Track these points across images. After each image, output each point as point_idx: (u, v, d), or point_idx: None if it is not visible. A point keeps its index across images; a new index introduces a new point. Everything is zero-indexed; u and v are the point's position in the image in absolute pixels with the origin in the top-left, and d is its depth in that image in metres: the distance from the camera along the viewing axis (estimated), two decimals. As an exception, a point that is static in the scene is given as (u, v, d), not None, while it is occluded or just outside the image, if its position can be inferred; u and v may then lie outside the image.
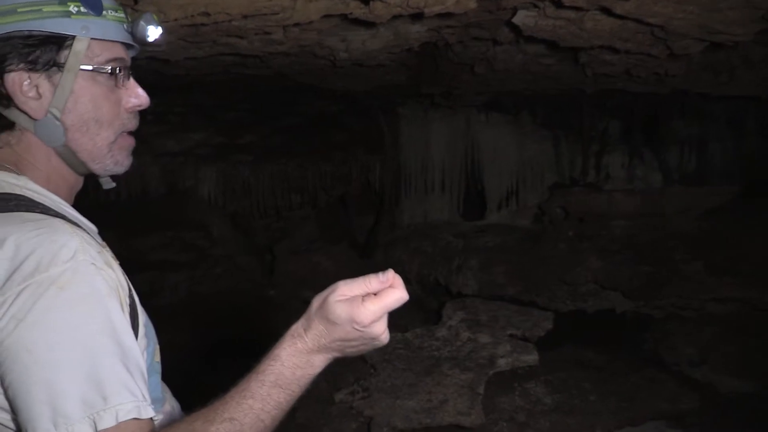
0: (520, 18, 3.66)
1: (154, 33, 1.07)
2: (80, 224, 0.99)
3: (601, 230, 6.63)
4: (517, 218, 7.77)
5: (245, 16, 3.23)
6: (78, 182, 1.10)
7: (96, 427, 0.80)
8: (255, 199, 7.71)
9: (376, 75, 5.68)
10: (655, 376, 5.12)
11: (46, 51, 0.97)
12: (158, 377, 1.08)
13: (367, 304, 0.90)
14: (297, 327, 0.94)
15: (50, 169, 1.03)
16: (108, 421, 0.81)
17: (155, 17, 1.07)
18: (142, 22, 1.05)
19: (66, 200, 1.04)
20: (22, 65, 0.96)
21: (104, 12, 1.00)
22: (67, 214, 0.99)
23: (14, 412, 0.85)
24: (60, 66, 0.98)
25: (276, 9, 3.13)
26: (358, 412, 4.31)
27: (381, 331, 0.92)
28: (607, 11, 3.30)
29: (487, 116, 7.74)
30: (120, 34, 1.03)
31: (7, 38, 0.95)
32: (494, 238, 7.19)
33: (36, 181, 1.00)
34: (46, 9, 0.96)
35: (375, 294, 0.91)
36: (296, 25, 3.60)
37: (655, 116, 7.53)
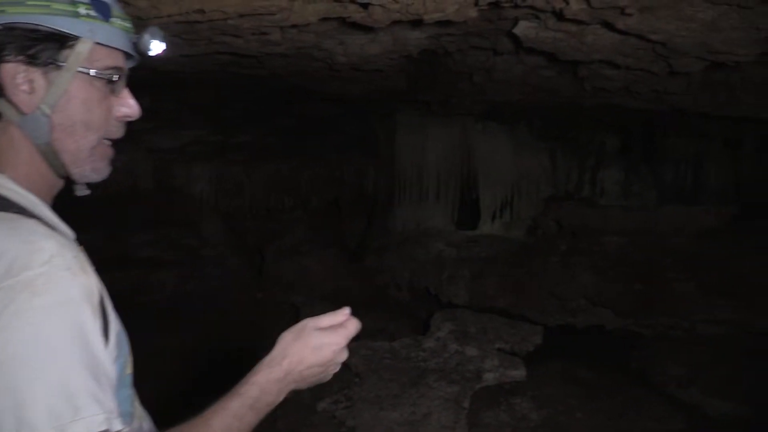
0: (521, 29, 3.63)
1: (157, 47, 1.08)
2: (56, 227, 0.96)
3: (593, 246, 6.58)
4: (511, 230, 7.72)
5: (241, 15, 3.18)
6: (57, 184, 1.06)
7: None
8: (247, 199, 7.64)
9: (373, 80, 5.64)
10: (643, 395, 5.06)
11: (48, 47, 0.95)
12: (128, 391, 1.04)
13: (340, 330, 1.08)
14: (273, 356, 1.06)
15: (31, 167, 1.00)
16: None
17: (161, 32, 1.08)
18: (147, 35, 1.07)
19: (45, 201, 1.01)
20: (21, 57, 0.94)
21: (112, 19, 1.00)
22: (44, 216, 0.96)
23: None
24: (59, 64, 0.96)
25: (273, 9, 3.08)
26: (341, 421, 4.23)
27: (345, 356, 1.09)
28: (608, 26, 3.27)
29: (484, 126, 7.70)
30: (124, 42, 1.03)
31: (11, 28, 0.93)
32: (487, 249, 7.14)
33: (15, 179, 0.97)
34: (55, 6, 0.94)
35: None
36: (294, 26, 3.54)
37: (653, 133, 7.52)
